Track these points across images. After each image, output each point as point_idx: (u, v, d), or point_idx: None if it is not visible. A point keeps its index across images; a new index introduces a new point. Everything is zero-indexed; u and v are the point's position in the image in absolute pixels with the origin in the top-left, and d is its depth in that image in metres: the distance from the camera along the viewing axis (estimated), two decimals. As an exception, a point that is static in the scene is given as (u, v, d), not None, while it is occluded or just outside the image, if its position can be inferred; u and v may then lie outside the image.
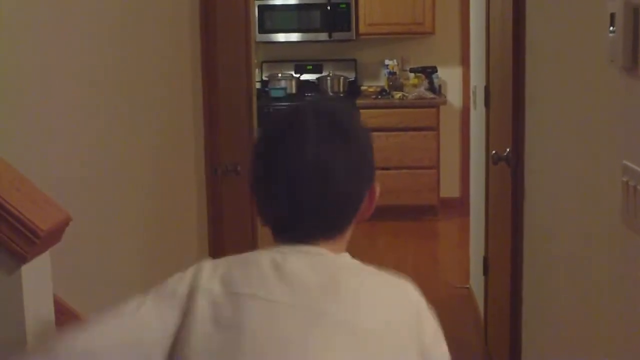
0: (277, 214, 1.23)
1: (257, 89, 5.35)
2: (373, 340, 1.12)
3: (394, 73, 6.41)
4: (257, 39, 6.13)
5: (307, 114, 1.23)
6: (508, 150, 2.78)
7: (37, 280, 1.34)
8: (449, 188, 6.47)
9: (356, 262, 1.22)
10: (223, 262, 1.20)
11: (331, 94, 6.34)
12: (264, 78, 6.51)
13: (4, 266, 1.28)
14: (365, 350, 1.11)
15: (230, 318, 1.11)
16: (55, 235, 1.36)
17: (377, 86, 6.42)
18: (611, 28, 1.50)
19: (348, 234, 1.25)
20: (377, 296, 1.17)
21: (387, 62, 6.44)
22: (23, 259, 1.28)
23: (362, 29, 6.25)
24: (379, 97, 6.24)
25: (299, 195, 1.18)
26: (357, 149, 1.22)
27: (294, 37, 6.34)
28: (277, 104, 6.16)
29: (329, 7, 6.20)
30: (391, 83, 6.39)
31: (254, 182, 1.24)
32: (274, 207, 1.23)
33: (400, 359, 1.13)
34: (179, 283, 1.18)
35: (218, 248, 2.87)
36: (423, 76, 6.32)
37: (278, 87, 6.33)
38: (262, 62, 6.54)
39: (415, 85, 6.29)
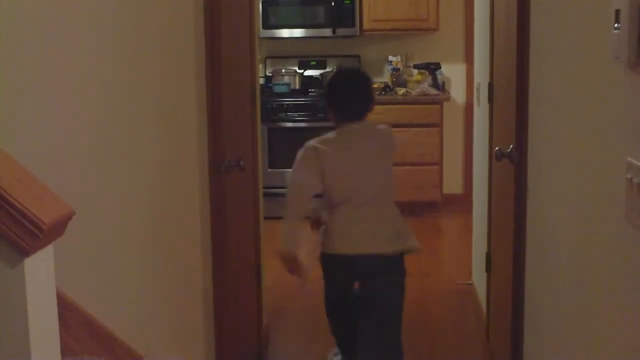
0: (342, 109, 2.82)
1: (261, 84, 5.35)
2: (380, 147, 2.88)
3: (398, 69, 6.41)
4: (261, 35, 6.13)
5: (350, 70, 3.33)
6: (511, 146, 2.78)
7: (40, 274, 1.35)
8: (452, 184, 6.47)
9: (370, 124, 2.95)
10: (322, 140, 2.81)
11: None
12: (268, 73, 6.51)
13: (7, 259, 1.28)
14: (377, 149, 2.86)
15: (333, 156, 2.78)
16: (58, 229, 1.36)
17: (381, 82, 6.42)
18: (616, 24, 1.50)
19: (368, 117, 2.89)
20: (379, 133, 2.94)
21: (390, 58, 6.44)
22: (26, 252, 1.28)
23: (366, 25, 6.25)
24: (383, 93, 6.23)
25: (349, 100, 2.83)
26: (368, 86, 2.92)
27: (297, 32, 6.34)
28: (281, 99, 6.16)
29: (333, 3, 6.19)
30: (395, 79, 6.39)
31: (332, 99, 2.85)
32: (341, 107, 2.82)
33: (386, 154, 2.89)
34: (310, 156, 2.77)
35: (221, 242, 2.87)
36: (427, 72, 6.32)
37: (282, 82, 6.33)
38: (266, 57, 6.54)
39: (418, 82, 6.29)
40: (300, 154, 2.79)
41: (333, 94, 2.84)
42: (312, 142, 2.79)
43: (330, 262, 2.85)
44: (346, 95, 2.82)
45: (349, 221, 2.76)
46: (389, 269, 2.80)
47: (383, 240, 2.79)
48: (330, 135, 2.81)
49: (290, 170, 2.83)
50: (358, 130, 2.80)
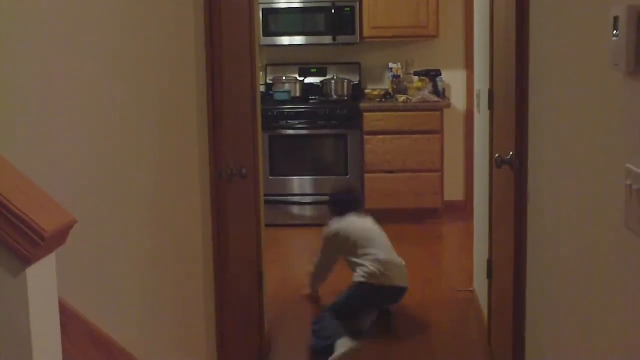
0: (347, 208, 4.45)
1: (262, 92, 5.36)
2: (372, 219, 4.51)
3: (398, 76, 6.42)
4: (262, 42, 6.14)
5: (349, 185, 5.32)
6: (512, 153, 2.79)
7: (42, 283, 1.35)
8: (453, 191, 6.48)
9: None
10: (341, 227, 4.40)
11: (335, 97, 6.36)
12: (269, 81, 6.52)
13: (9, 268, 1.28)
14: (372, 220, 4.48)
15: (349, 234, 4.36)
16: (60, 237, 1.36)
17: (382, 89, 6.43)
18: (615, 32, 1.50)
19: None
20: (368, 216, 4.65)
21: (391, 65, 6.45)
22: (28, 261, 1.28)
23: (367, 32, 6.26)
24: (383, 100, 6.24)
25: (352, 204, 4.55)
26: (359, 193, 5.07)
27: (298, 40, 6.35)
28: (282, 107, 6.17)
29: (333, 11, 6.21)
30: (395, 86, 6.39)
31: (343, 204, 4.52)
32: (348, 208, 4.45)
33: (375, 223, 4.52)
34: (332, 235, 4.42)
35: (223, 250, 2.87)
36: (427, 79, 6.32)
37: (282, 90, 6.35)
38: (267, 65, 6.55)
39: (419, 89, 6.29)
40: (326, 237, 4.41)
41: (343, 201, 4.57)
42: (334, 228, 4.36)
43: (370, 289, 4.13)
44: (349, 201, 4.56)
45: (382, 263, 4.14)
46: (402, 297, 4.27)
47: (404, 276, 4.22)
48: (341, 219, 4.40)
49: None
50: (360, 214, 4.48)
